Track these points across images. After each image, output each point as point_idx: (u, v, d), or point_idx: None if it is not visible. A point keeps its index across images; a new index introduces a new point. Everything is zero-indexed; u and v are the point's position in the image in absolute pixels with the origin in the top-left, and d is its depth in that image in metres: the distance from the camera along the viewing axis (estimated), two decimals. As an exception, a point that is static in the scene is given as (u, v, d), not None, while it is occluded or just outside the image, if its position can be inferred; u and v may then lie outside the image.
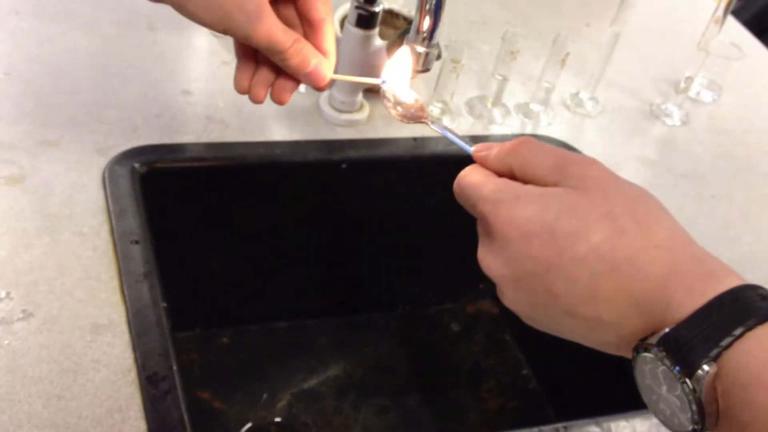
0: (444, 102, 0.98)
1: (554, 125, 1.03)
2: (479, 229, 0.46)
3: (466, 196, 0.46)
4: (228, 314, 0.98)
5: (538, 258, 0.41)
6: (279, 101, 0.62)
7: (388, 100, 0.58)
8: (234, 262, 0.95)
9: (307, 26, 0.61)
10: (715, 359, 0.36)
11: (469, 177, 0.47)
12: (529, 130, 1.01)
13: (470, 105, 1.02)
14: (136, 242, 0.73)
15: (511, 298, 0.44)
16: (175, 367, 0.64)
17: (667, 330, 0.38)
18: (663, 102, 1.11)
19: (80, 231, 0.74)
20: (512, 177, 0.45)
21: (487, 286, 1.09)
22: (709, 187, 1.00)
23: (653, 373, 0.39)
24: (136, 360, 0.64)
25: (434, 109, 0.97)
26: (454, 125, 0.98)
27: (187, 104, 0.91)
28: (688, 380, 0.37)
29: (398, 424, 0.94)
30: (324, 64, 0.60)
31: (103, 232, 0.74)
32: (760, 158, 1.08)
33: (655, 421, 0.70)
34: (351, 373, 0.98)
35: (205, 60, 0.99)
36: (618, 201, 0.41)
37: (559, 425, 0.68)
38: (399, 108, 0.58)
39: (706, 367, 0.36)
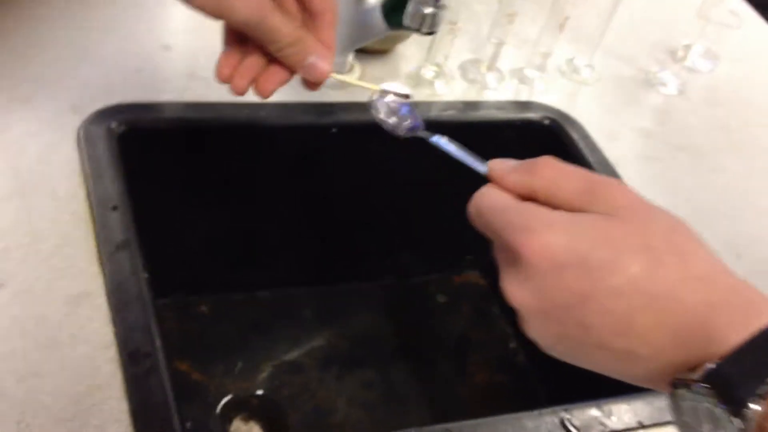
0: (438, 65, 0.93)
1: (549, 92, 0.99)
2: (501, 257, 0.43)
3: (488, 221, 0.43)
4: (209, 281, 0.94)
5: (571, 289, 0.39)
6: (262, 93, 0.58)
7: (379, 111, 0.54)
8: (216, 227, 0.91)
9: (307, 16, 0.57)
10: (763, 396, 0.34)
11: (490, 199, 0.43)
12: (523, 97, 0.98)
13: (464, 69, 0.98)
14: (115, 208, 0.69)
15: (537, 328, 0.41)
16: (158, 344, 0.60)
17: (712, 366, 0.36)
18: (659, 70, 1.08)
19: (55, 194, 0.69)
20: (533, 199, 0.43)
21: (474, 258, 1.06)
22: (707, 161, 0.97)
23: (693, 410, 0.37)
24: (116, 335, 0.60)
25: (428, 73, 0.93)
26: (448, 89, 0.94)
27: (167, 60, 0.86)
28: (736, 419, 0.35)
29: (383, 397, 0.92)
30: (324, 58, 0.56)
31: (80, 196, 0.69)
32: (760, 132, 1.05)
33: (657, 405, 0.68)
34: (335, 344, 0.95)
35: (185, 12, 0.92)
36: (654, 230, 0.39)
37: (559, 408, 0.66)
38: (393, 119, 0.54)
39: (753, 406, 0.34)
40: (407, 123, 0.54)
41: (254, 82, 0.58)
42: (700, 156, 0.98)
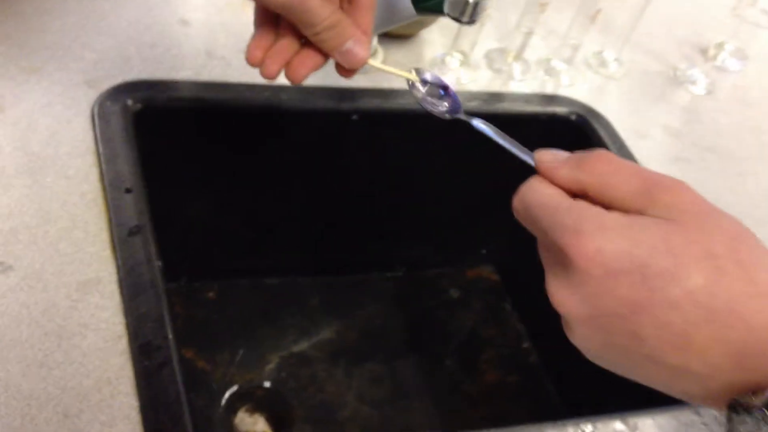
0: (463, 53, 0.90)
1: (575, 85, 0.96)
2: (546, 256, 0.40)
3: (535, 218, 0.40)
4: (217, 267, 0.91)
5: (625, 298, 0.36)
6: (295, 78, 0.55)
7: (419, 91, 0.51)
8: (227, 211, 0.88)
9: (345, 0, 0.54)
10: None
11: (538, 194, 0.40)
12: (549, 89, 0.94)
13: (489, 58, 0.94)
14: (128, 190, 0.65)
15: (583, 337, 0.38)
16: (171, 336, 0.57)
17: None
18: (688, 68, 1.05)
19: (66, 173, 0.66)
20: (584, 196, 0.39)
21: (489, 252, 1.04)
22: (735, 163, 0.94)
23: None
24: (127, 326, 0.57)
25: (453, 61, 0.90)
26: (472, 78, 0.91)
27: (185, 36, 0.83)
28: None
29: (391, 393, 0.89)
30: (361, 44, 0.53)
31: (92, 177, 0.66)
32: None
33: (683, 420, 0.66)
34: (343, 336, 0.92)
35: (205, -13, 0.90)
36: (717, 238, 0.36)
37: (582, 419, 0.63)
38: (433, 100, 0.51)
39: None
40: (448, 104, 0.52)
41: (286, 66, 0.55)
42: (730, 158, 0.95)
